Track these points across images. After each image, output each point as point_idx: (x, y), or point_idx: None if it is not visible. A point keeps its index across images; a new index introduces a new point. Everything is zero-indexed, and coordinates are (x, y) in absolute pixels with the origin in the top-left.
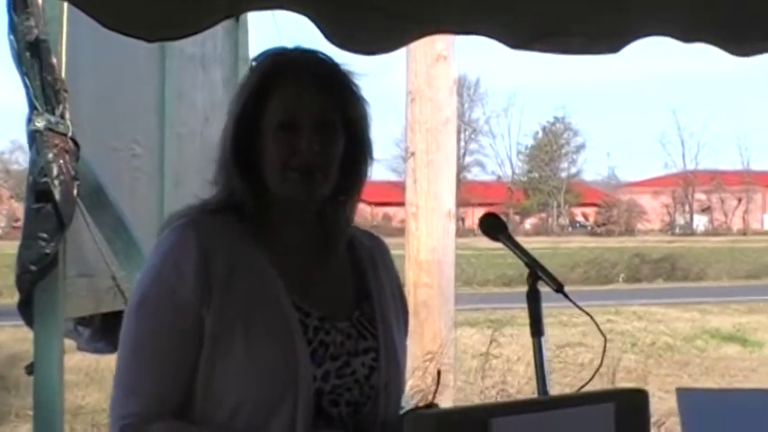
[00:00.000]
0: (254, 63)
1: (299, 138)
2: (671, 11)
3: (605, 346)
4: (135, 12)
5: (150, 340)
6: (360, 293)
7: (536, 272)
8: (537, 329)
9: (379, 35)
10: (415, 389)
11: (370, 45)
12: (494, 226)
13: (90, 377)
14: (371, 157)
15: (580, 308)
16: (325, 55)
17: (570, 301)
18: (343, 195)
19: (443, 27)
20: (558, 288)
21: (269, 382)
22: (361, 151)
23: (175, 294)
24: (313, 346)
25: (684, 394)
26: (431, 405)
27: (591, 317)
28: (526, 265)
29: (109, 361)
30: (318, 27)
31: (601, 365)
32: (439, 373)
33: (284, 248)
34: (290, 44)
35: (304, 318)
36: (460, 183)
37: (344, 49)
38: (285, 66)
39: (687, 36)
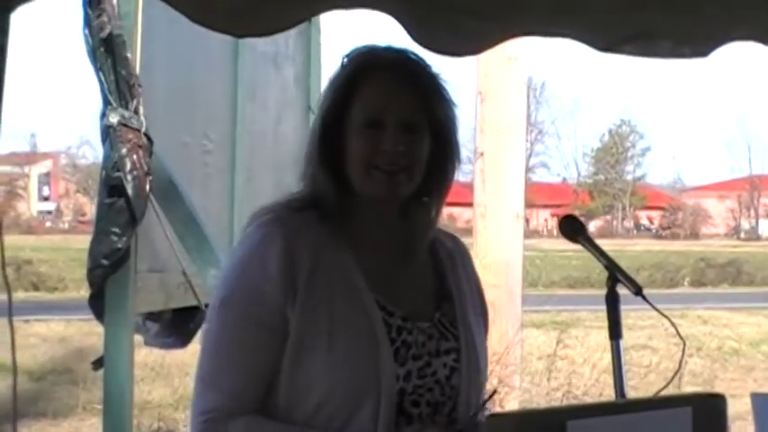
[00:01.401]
0: (345, 59)
1: (384, 137)
2: (758, 15)
3: (684, 350)
4: (222, 6)
5: (233, 336)
6: (440, 294)
7: (615, 275)
8: (616, 332)
9: (465, 37)
10: None
11: (456, 47)
12: (573, 227)
13: (156, 372)
14: (458, 160)
15: (659, 311)
16: (415, 55)
17: (650, 304)
18: (427, 196)
19: (529, 29)
20: (638, 291)
21: (352, 381)
22: (446, 153)
23: (260, 291)
24: (396, 345)
25: (759, 399)
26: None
27: (671, 321)
28: (605, 267)
29: (175, 357)
30: (404, 27)
31: (680, 368)
32: (495, 391)
33: (368, 247)
34: (381, 43)
35: (387, 317)
36: (526, 184)
37: (429, 50)
38: (375, 64)
39: None
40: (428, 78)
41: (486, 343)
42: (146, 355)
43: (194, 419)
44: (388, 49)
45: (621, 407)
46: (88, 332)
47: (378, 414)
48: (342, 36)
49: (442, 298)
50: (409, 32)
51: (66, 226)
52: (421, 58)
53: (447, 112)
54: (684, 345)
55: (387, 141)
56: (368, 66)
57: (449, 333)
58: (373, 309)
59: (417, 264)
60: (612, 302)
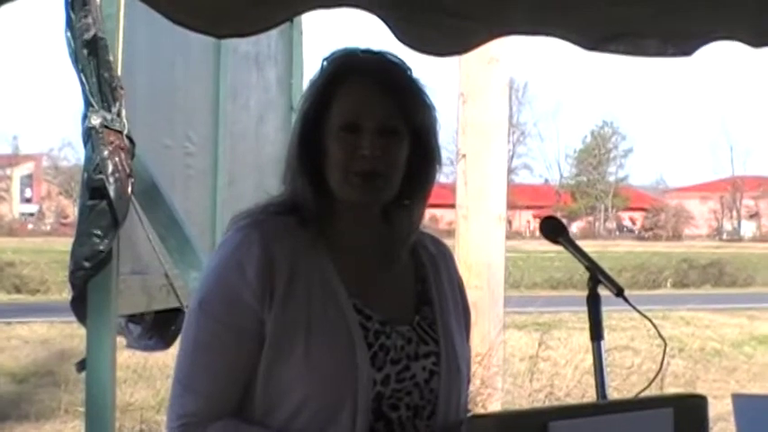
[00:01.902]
0: (324, 62)
1: (362, 141)
2: (740, 15)
3: (665, 351)
4: (203, 7)
5: (210, 340)
6: (421, 298)
7: (597, 275)
8: (597, 333)
9: (450, 36)
10: None
11: (441, 46)
12: (554, 228)
13: (138, 374)
14: (439, 163)
15: (641, 312)
16: (395, 57)
17: (630, 305)
18: (408, 200)
19: (514, 29)
20: (619, 292)
21: (329, 386)
22: (427, 157)
23: (237, 295)
24: (373, 349)
25: (740, 400)
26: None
27: (651, 322)
28: (587, 268)
29: (157, 359)
30: (389, 27)
31: (661, 369)
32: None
33: (347, 251)
34: (360, 45)
35: (365, 321)
36: (508, 185)
37: (413, 50)
38: (353, 67)
39: (756, 41)
40: (406, 82)
41: (467, 346)
42: (128, 357)
43: (171, 423)
44: (367, 52)
45: (603, 408)
46: (70, 334)
47: (355, 418)
48: (324, 36)
49: (422, 302)
50: (394, 32)
51: (49, 228)
52: (400, 61)
53: (426, 116)
54: (666, 346)
55: (364, 146)
56: (346, 69)
57: (428, 337)
58: (351, 313)
59: (399, 267)
60: (594, 304)
